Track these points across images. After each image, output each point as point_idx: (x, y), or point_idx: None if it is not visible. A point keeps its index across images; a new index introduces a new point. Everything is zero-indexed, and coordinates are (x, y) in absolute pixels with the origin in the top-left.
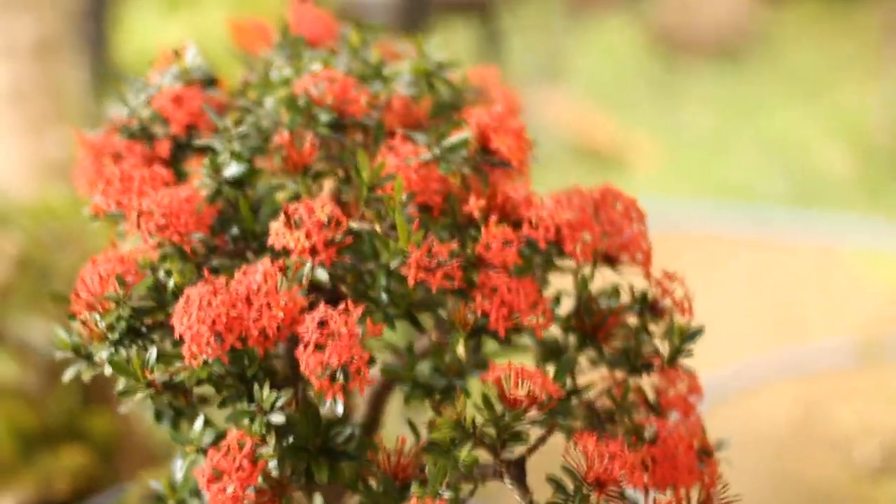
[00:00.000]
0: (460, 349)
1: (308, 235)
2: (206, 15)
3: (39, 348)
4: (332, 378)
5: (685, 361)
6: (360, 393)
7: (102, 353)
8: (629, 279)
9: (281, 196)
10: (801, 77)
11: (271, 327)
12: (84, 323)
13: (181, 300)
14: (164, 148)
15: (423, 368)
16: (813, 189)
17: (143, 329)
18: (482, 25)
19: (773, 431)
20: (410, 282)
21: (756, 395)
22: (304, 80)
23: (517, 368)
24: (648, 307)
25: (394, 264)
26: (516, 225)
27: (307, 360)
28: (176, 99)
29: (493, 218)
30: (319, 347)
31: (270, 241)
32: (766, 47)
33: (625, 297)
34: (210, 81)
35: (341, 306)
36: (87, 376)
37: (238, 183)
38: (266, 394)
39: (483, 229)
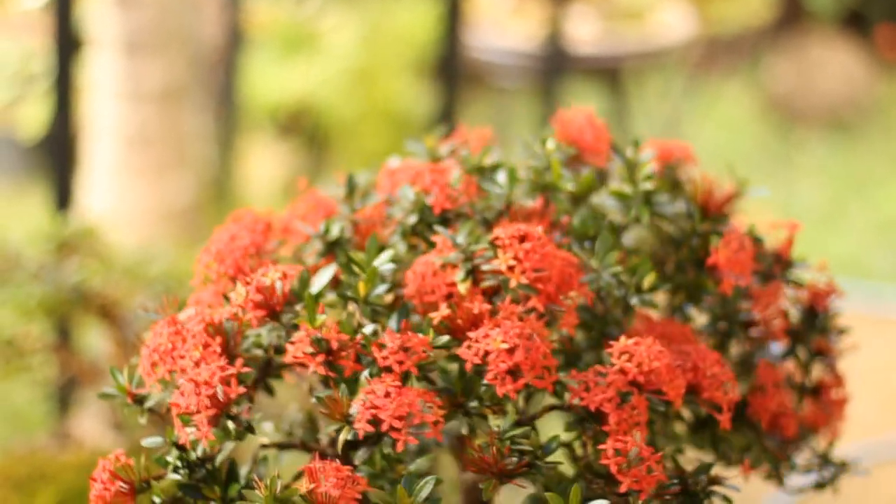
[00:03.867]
0: (341, 437)
1: (247, 294)
2: (325, 62)
3: None
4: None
5: None
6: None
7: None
8: None
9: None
10: None
11: (183, 366)
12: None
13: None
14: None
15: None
16: None
17: None
18: (611, 90)
19: None
20: (287, 358)
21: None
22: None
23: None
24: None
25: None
26: (459, 342)
27: None
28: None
29: (404, 324)
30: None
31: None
32: (879, 120)
33: None
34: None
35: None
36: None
37: (325, 253)
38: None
39: (387, 332)
